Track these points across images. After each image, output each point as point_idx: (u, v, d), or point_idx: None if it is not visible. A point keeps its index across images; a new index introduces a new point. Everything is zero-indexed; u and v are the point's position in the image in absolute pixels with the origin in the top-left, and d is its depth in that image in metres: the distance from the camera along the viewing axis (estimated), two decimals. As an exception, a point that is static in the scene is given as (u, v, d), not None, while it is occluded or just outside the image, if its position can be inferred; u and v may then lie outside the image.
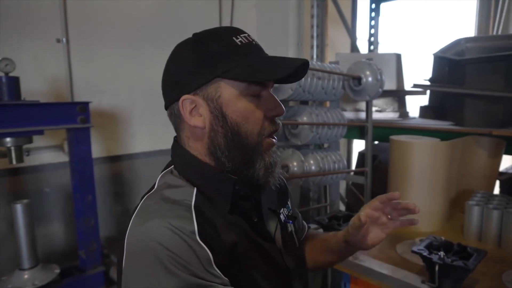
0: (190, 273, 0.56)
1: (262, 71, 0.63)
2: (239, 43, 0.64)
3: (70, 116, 1.70)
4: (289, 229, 0.79)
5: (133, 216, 0.63)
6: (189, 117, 0.66)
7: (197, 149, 0.68)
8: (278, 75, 0.63)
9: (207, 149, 0.67)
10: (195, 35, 0.68)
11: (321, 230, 1.52)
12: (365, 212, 0.75)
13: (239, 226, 0.66)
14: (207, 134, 0.66)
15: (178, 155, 0.71)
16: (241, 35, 0.65)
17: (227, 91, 0.63)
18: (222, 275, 0.59)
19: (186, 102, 0.65)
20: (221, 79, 0.63)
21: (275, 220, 0.76)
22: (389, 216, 0.76)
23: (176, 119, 0.69)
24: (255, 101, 0.65)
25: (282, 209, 0.80)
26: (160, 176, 0.71)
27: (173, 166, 0.71)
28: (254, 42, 0.67)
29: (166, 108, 0.71)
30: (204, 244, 0.58)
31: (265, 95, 0.67)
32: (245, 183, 0.67)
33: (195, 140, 0.68)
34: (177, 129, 0.71)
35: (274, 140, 0.69)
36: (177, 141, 0.73)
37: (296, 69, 0.63)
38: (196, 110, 0.65)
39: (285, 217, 0.79)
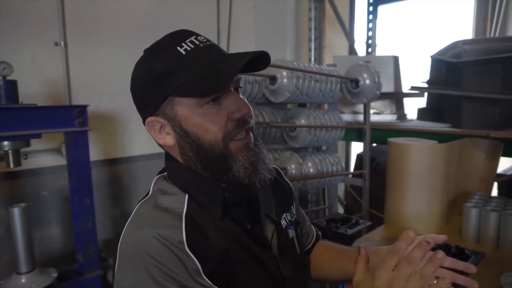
0: (178, 284, 0.56)
1: (209, 82, 0.60)
2: (184, 52, 0.61)
3: (68, 119, 1.70)
4: (290, 236, 0.76)
5: (127, 223, 0.64)
6: (159, 137, 0.67)
7: (179, 159, 0.69)
8: (226, 81, 0.61)
9: (184, 162, 0.68)
10: (144, 51, 0.67)
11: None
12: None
13: (231, 233, 0.65)
14: (177, 150, 0.67)
15: (169, 164, 0.71)
16: (187, 41, 0.62)
17: (181, 108, 0.63)
18: (212, 284, 0.59)
19: (151, 124, 0.67)
20: (172, 97, 0.63)
21: (272, 227, 0.74)
22: None
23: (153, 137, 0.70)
24: (214, 109, 0.63)
25: (285, 214, 0.78)
26: (154, 181, 0.72)
27: (166, 173, 0.72)
28: (202, 45, 0.63)
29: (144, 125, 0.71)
30: (193, 253, 0.58)
31: (225, 99, 0.63)
32: (235, 190, 0.67)
33: (172, 154, 0.69)
34: (158, 144, 0.71)
35: (242, 142, 0.65)
36: (168, 154, 0.73)
37: (246, 64, 0.59)
38: (163, 129, 0.67)
39: (287, 223, 0.77)
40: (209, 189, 0.66)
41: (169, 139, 0.66)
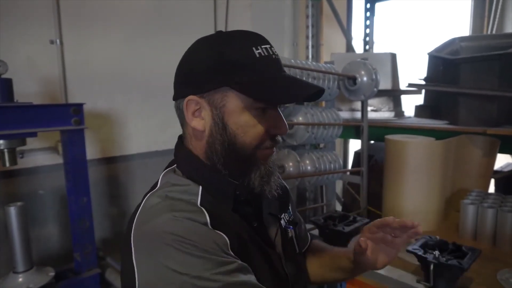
0: (215, 254, 0.55)
1: (273, 92, 0.62)
2: (258, 55, 0.62)
3: (64, 117, 1.69)
4: (290, 235, 0.78)
5: (137, 215, 0.62)
6: (191, 118, 0.66)
7: (198, 148, 0.68)
8: (287, 101, 0.65)
9: (205, 152, 0.67)
10: (218, 33, 0.67)
11: (316, 231, 1.52)
12: (364, 237, 0.73)
13: (243, 228, 0.66)
14: (206, 138, 0.66)
15: (182, 154, 0.71)
16: (262, 46, 0.64)
17: (233, 102, 0.63)
18: (239, 260, 0.58)
19: (191, 102, 0.65)
20: (229, 89, 0.62)
21: (275, 225, 0.75)
22: (393, 235, 0.73)
23: (181, 114, 0.68)
24: (258, 116, 0.64)
25: (283, 214, 0.79)
26: (162, 174, 0.70)
27: (175, 165, 0.71)
28: (274, 56, 0.65)
29: (174, 99, 0.70)
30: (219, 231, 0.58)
31: (270, 111, 0.66)
32: (245, 189, 0.67)
33: (195, 140, 0.68)
34: (182, 124, 0.71)
35: (267, 152, 0.67)
36: (182, 140, 0.73)
37: (308, 96, 0.63)
38: (199, 112, 0.66)
39: (286, 223, 0.78)
40: (221, 184, 0.66)
41: (201, 124, 0.66)
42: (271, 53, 0.65)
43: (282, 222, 0.77)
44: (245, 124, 0.63)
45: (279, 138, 0.68)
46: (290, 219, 0.81)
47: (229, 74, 0.62)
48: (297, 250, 0.80)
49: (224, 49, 0.63)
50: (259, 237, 0.69)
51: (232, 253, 0.58)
